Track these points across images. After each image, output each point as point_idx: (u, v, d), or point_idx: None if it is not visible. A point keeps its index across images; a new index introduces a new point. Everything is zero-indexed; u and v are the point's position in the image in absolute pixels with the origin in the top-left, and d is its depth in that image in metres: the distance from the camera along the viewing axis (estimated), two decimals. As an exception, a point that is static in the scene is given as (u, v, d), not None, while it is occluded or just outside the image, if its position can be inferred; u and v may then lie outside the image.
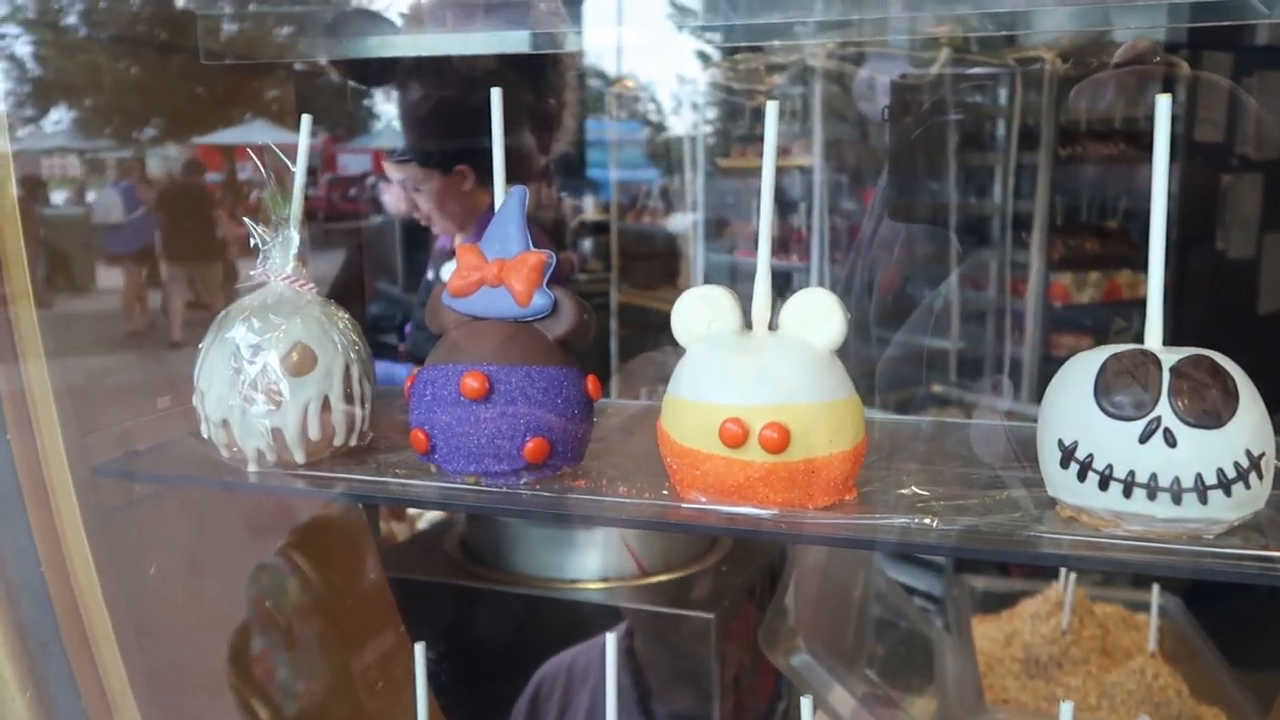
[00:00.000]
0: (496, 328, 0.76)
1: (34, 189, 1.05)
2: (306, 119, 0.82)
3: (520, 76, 1.51)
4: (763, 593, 1.48)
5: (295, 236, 0.81)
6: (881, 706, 1.47)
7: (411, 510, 2.06)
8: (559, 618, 1.38)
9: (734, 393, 0.68)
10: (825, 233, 3.05)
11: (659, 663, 1.34)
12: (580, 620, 1.36)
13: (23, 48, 1.17)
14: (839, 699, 1.39)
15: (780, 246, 3.31)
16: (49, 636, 0.78)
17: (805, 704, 0.73)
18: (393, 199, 1.70)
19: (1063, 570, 1.55)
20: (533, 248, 0.76)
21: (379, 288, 2.03)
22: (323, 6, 1.00)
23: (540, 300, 0.75)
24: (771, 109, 0.71)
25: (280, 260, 0.81)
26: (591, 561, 1.40)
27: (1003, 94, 2.80)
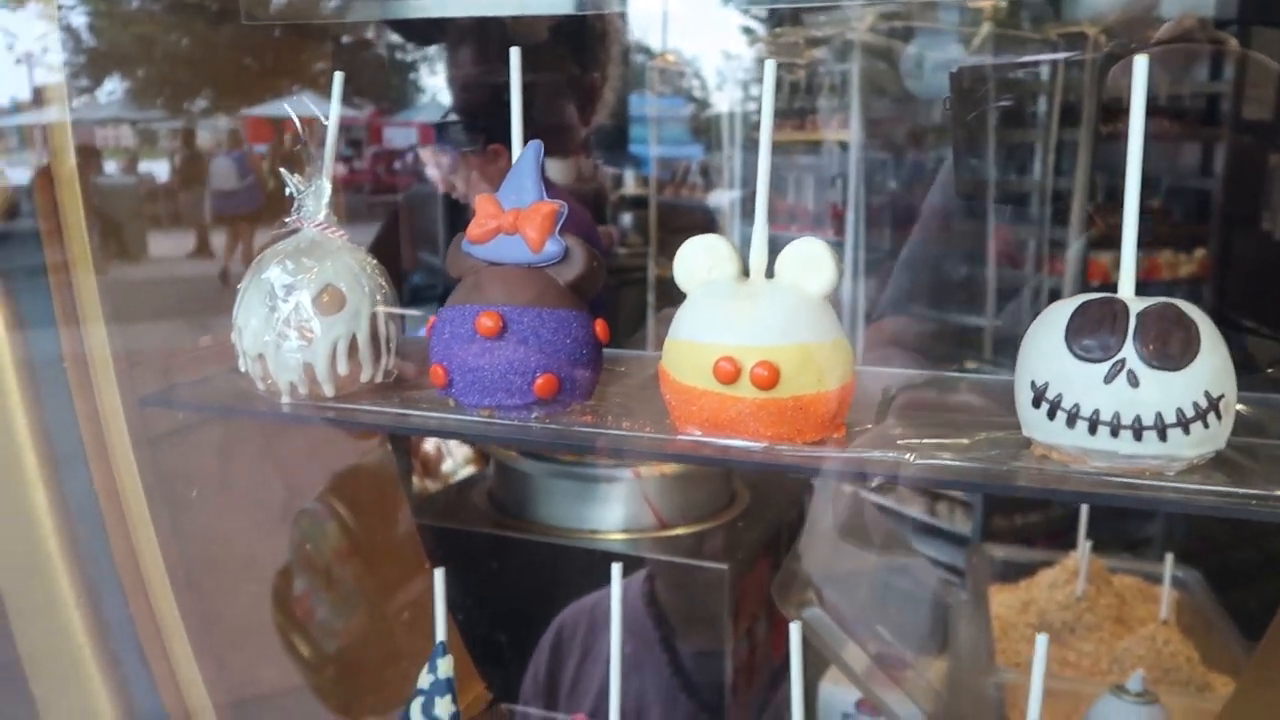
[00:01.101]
0: (511, 272, 0.81)
1: (89, 158, 1.12)
2: (339, 75, 0.88)
3: (563, 48, 1.55)
4: (779, 548, 1.53)
5: (327, 186, 0.87)
6: (894, 665, 1.51)
7: (445, 465, 2.13)
8: (580, 566, 1.44)
9: (728, 333, 0.73)
10: (862, 209, 3.06)
11: (675, 612, 1.39)
12: (600, 569, 1.41)
13: (78, 19, 1.23)
14: (852, 655, 1.43)
15: (816, 222, 3.33)
16: (101, 551, 0.85)
17: (794, 629, 0.77)
18: (436, 172, 1.76)
19: (1080, 539, 1.58)
20: (547, 198, 0.81)
21: (421, 257, 2.09)
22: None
23: (552, 247, 0.80)
24: (769, 68, 0.75)
25: (313, 207, 0.87)
26: (612, 513, 1.46)
27: (1045, 69, 2.78)
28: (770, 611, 1.45)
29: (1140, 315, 0.66)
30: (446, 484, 2.05)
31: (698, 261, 0.77)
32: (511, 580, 1.46)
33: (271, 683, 1.01)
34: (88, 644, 0.83)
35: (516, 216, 0.81)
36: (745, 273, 0.77)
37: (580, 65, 1.62)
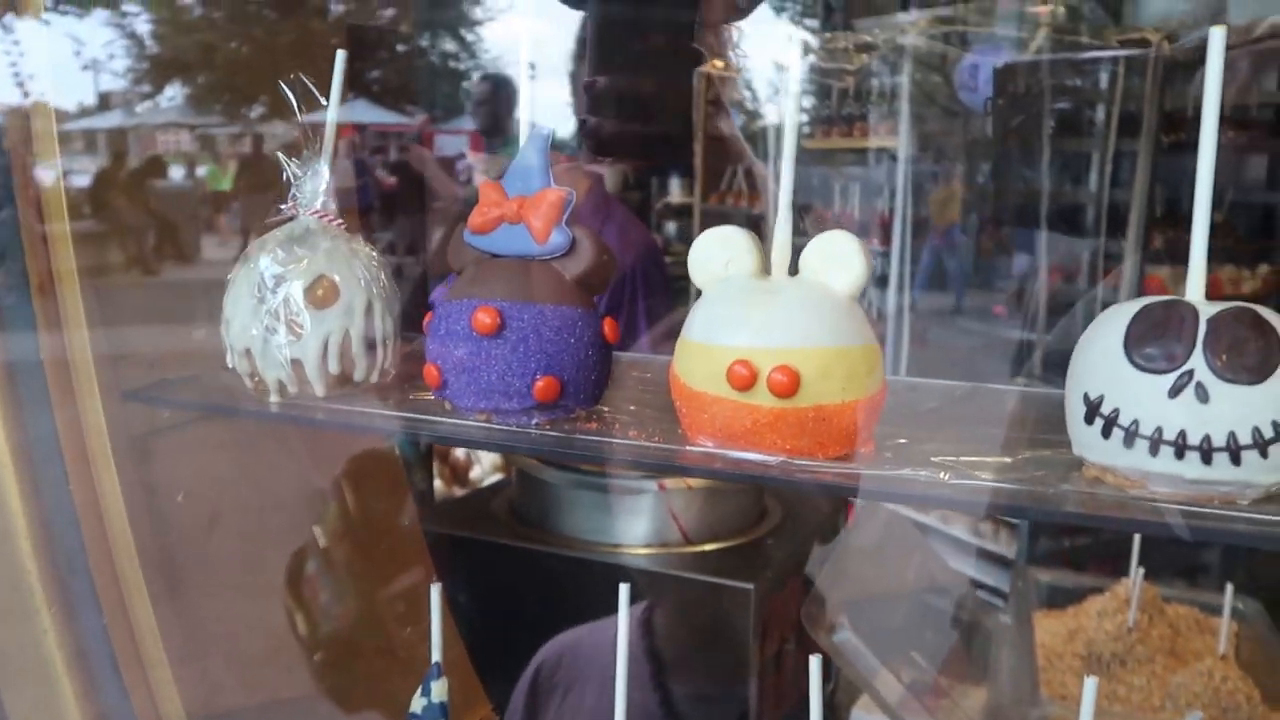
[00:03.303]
0: (512, 265, 0.75)
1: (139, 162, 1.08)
2: (341, 54, 0.83)
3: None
4: (812, 568, 1.45)
5: (326, 170, 0.81)
6: (930, 694, 1.43)
7: (474, 473, 2.08)
8: (601, 580, 1.37)
9: (744, 334, 0.66)
10: (909, 219, 2.98)
11: (694, 633, 1.32)
12: (620, 583, 1.35)
13: (138, 26, 1.21)
14: (885, 683, 1.36)
15: (862, 231, 3.25)
16: (76, 553, 0.81)
17: (814, 662, 0.70)
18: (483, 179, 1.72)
19: (1133, 565, 1.49)
20: (554, 185, 0.75)
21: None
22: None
23: (558, 238, 0.74)
24: (795, 43, 0.69)
25: (311, 193, 0.81)
26: (636, 527, 1.39)
27: (1104, 77, 2.69)
28: (801, 635, 1.38)
29: (1211, 321, 0.58)
30: (472, 489, 2.01)
31: (714, 255, 0.71)
32: (528, 594, 1.40)
33: (249, 694, 0.96)
34: (59, 653, 0.78)
35: (521, 204, 0.75)
36: (767, 269, 0.70)
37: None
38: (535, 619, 1.39)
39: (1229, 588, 1.40)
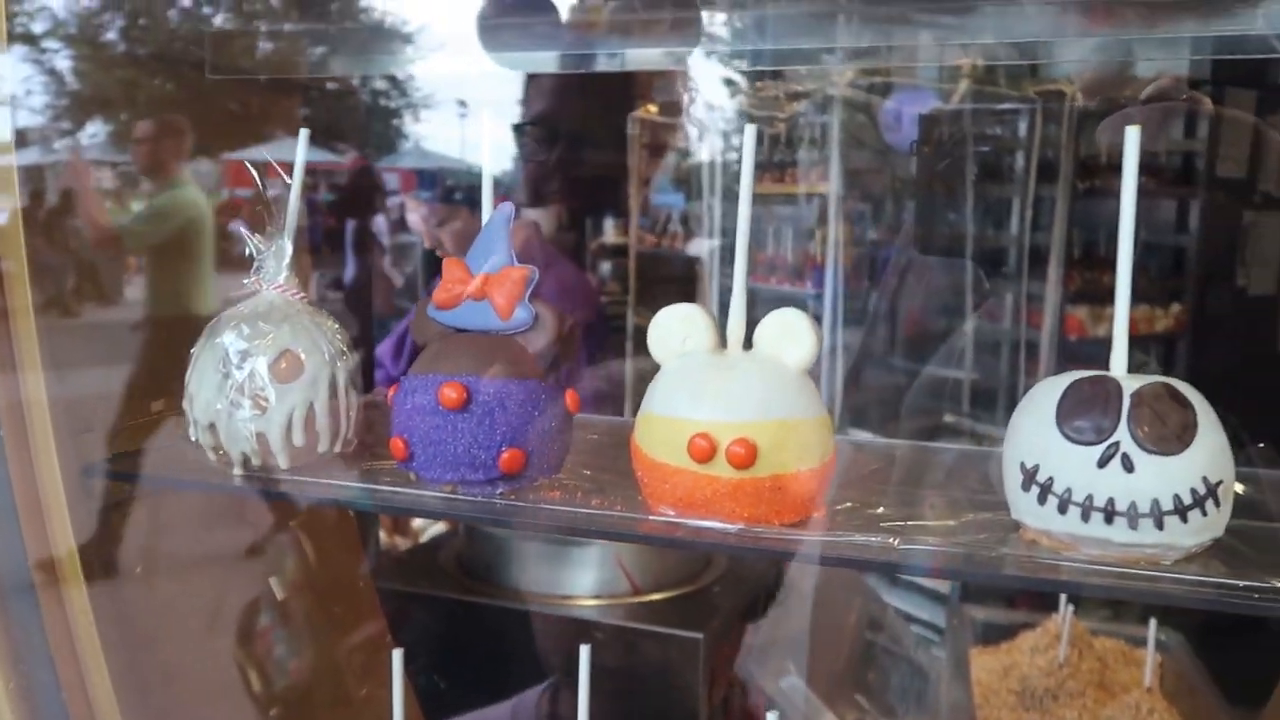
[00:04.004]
0: (477, 340, 0.77)
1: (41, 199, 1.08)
2: (304, 133, 0.85)
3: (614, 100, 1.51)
4: (756, 615, 1.48)
5: (288, 246, 0.83)
6: (874, 734, 1.47)
7: (416, 523, 2.08)
8: (551, 633, 1.39)
9: (703, 408, 0.69)
10: (841, 261, 3.06)
11: (644, 682, 1.34)
12: (572, 636, 1.37)
13: (58, 63, 1.21)
14: (830, 726, 1.39)
15: (795, 274, 3.32)
16: (35, 632, 0.80)
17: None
18: (417, 219, 1.73)
19: (1062, 602, 1.55)
20: (516, 263, 0.78)
21: (399, 305, 2.05)
22: (341, 26, 1.03)
23: (521, 314, 0.77)
24: (750, 133, 0.73)
25: (273, 269, 0.83)
26: (585, 578, 1.41)
27: (1023, 126, 2.81)
28: (747, 680, 1.41)
29: (1134, 396, 0.63)
30: (416, 541, 2.00)
31: (673, 331, 0.74)
32: (479, 648, 1.41)
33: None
34: (2, 687, 0.77)
35: (485, 281, 0.77)
36: (722, 343, 0.74)
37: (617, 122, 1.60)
38: (486, 673, 1.39)
39: (1153, 622, 1.46)
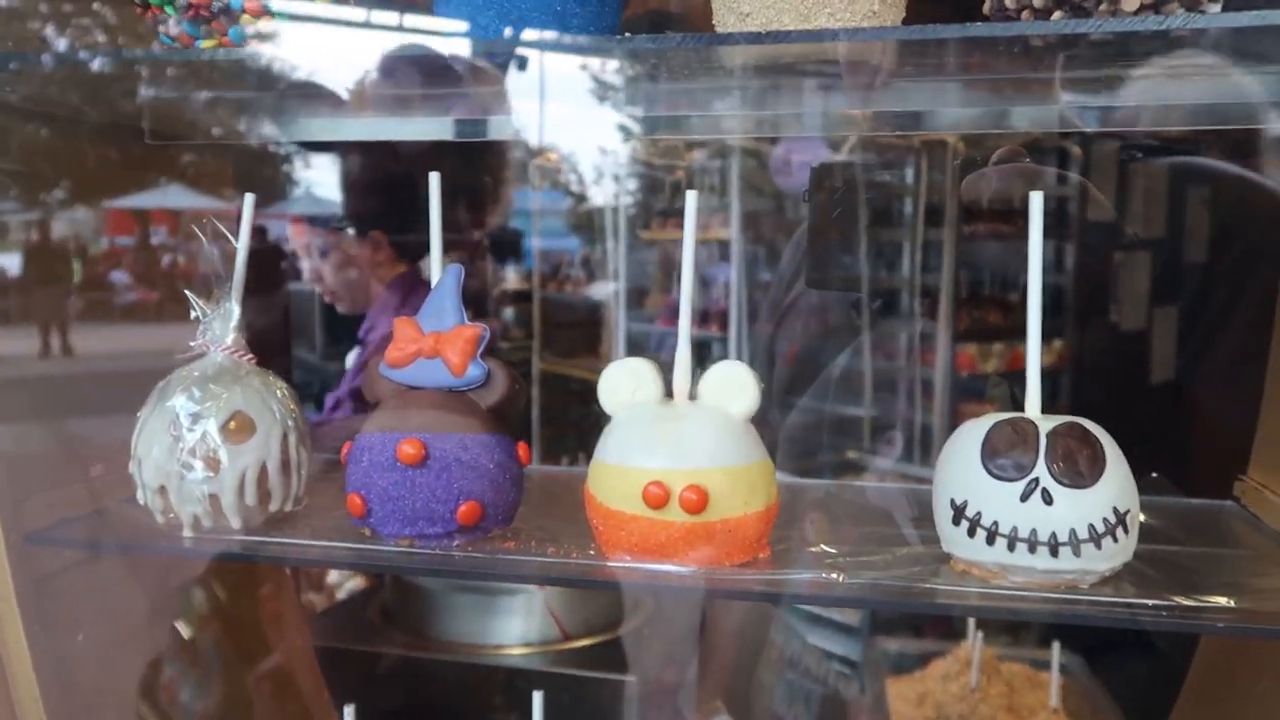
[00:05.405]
0: (432, 396, 0.80)
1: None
2: (249, 197, 0.86)
3: (457, 154, 1.55)
4: (684, 656, 1.51)
5: (236, 309, 0.84)
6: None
7: (332, 577, 2.04)
8: (481, 684, 1.39)
9: (656, 458, 0.73)
10: (744, 304, 3.14)
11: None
12: (502, 687, 1.38)
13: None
14: (760, 760, 1.42)
15: (700, 318, 3.40)
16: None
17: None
18: (310, 266, 1.72)
19: (971, 630, 1.62)
20: (467, 322, 0.81)
21: (298, 355, 2.03)
22: (261, 92, 1.04)
23: (474, 371, 0.79)
24: (691, 198, 0.78)
25: (220, 331, 0.84)
26: (514, 627, 1.42)
27: (910, 173, 2.94)
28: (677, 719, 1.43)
29: (1050, 435, 0.69)
30: (332, 599, 1.97)
31: (621, 384, 0.78)
32: (408, 700, 1.40)
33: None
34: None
35: (437, 340, 0.80)
36: (669, 394, 0.78)
37: (474, 172, 1.63)
38: (420, 725, 1.39)
39: (1056, 645, 1.54)
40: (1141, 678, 1.55)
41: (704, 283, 3.38)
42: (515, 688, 1.37)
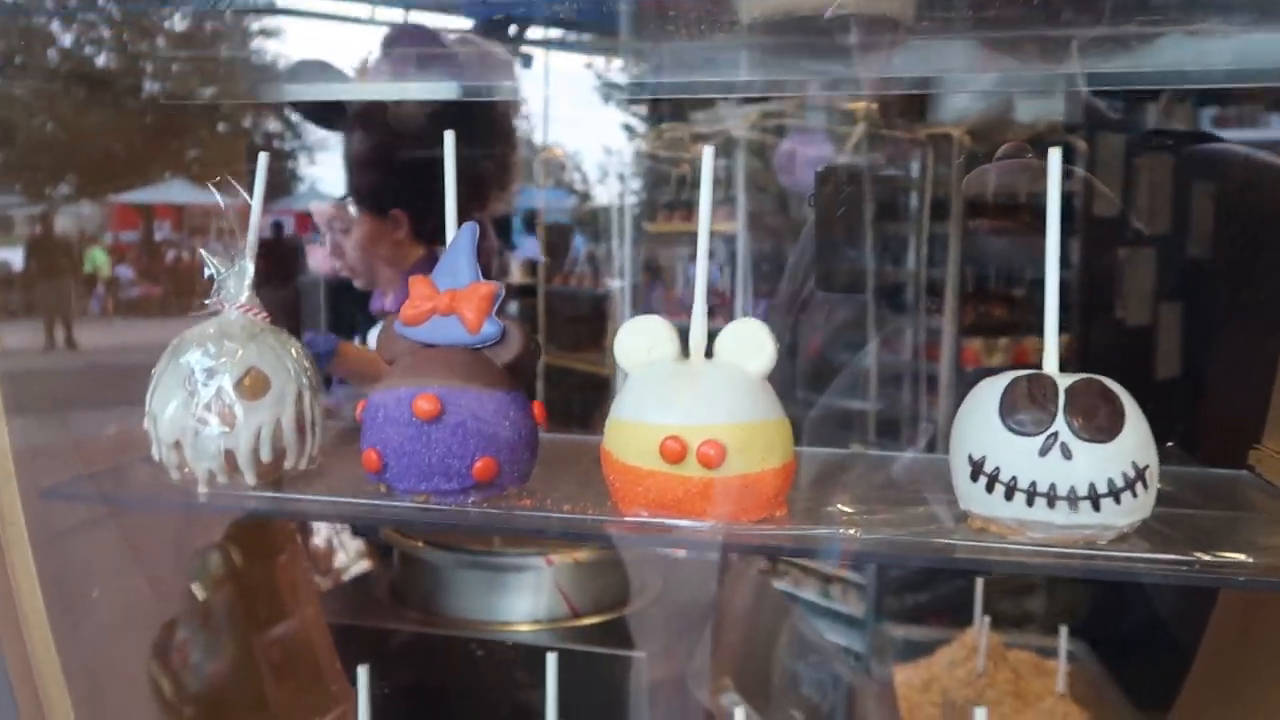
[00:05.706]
0: (447, 353, 0.80)
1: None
2: (264, 156, 0.86)
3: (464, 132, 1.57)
4: (694, 635, 1.51)
5: (250, 267, 0.84)
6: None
7: (339, 561, 2.05)
8: (491, 660, 1.39)
9: (674, 413, 0.73)
10: (749, 297, 3.15)
11: (589, 704, 1.35)
12: (512, 663, 1.37)
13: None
14: (769, 741, 1.42)
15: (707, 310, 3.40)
16: None
17: (739, 713, 0.76)
18: (318, 259, 1.73)
19: (977, 616, 1.62)
20: (482, 279, 0.81)
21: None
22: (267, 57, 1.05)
23: (490, 328, 0.79)
24: (707, 154, 0.77)
25: (235, 289, 0.84)
26: (523, 604, 1.42)
27: (915, 167, 2.95)
28: (687, 698, 1.43)
29: (1069, 390, 0.69)
30: (338, 581, 1.97)
31: (638, 342, 0.78)
32: (416, 678, 1.40)
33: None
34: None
35: (453, 297, 0.80)
36: (685, 353, 0.78)
37: (482, 149, 1.65)
38: (429, 702, 1.38)
39: (1063, 630, 1.54)
40: (1148, 664, 1.55)
41: (712, 274, 3.39)
42: (522, 664, 1.37)
